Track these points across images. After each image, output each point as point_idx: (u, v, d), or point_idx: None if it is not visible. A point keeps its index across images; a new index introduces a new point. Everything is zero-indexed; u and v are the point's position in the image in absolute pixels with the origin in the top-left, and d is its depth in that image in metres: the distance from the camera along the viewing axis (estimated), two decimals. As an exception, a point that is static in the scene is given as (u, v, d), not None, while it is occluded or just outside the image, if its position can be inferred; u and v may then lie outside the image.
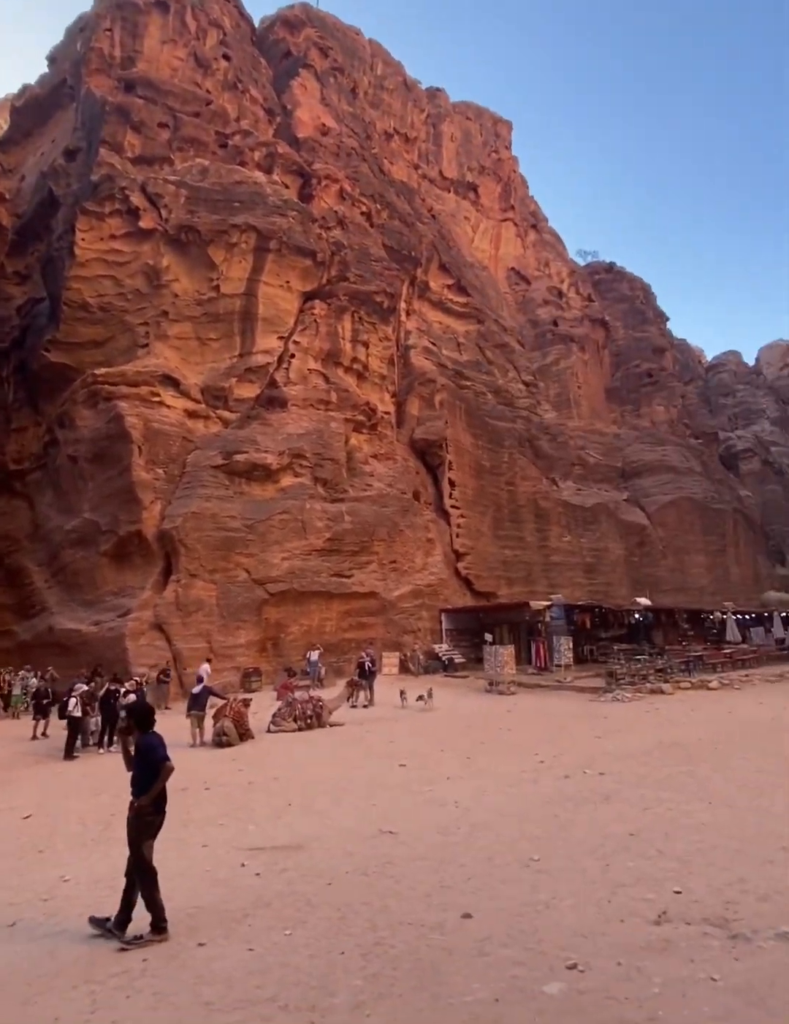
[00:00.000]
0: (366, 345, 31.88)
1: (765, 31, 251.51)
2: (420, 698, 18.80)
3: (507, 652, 22.58)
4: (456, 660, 27.28)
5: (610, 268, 66.27)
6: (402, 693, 19.16)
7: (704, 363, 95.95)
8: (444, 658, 27.16)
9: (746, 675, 23.55)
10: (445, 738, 14.06)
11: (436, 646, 27.86)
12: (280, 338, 28.65)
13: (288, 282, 29.20)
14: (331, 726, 16.17)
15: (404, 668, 25.91)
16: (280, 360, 28.73)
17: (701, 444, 54.92)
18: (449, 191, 53.52)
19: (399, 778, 10.35)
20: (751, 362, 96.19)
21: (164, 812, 5.57)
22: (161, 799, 5.53)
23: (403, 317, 38.02)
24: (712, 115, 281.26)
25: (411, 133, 51.54)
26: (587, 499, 40.72)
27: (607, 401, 53.99)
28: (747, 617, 36.16)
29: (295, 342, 29.20)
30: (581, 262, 67.35)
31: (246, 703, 15.16)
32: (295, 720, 15.76)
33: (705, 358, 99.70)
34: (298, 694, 17.24)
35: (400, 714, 18.10)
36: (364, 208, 36.88)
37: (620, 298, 63.79)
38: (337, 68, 44.16)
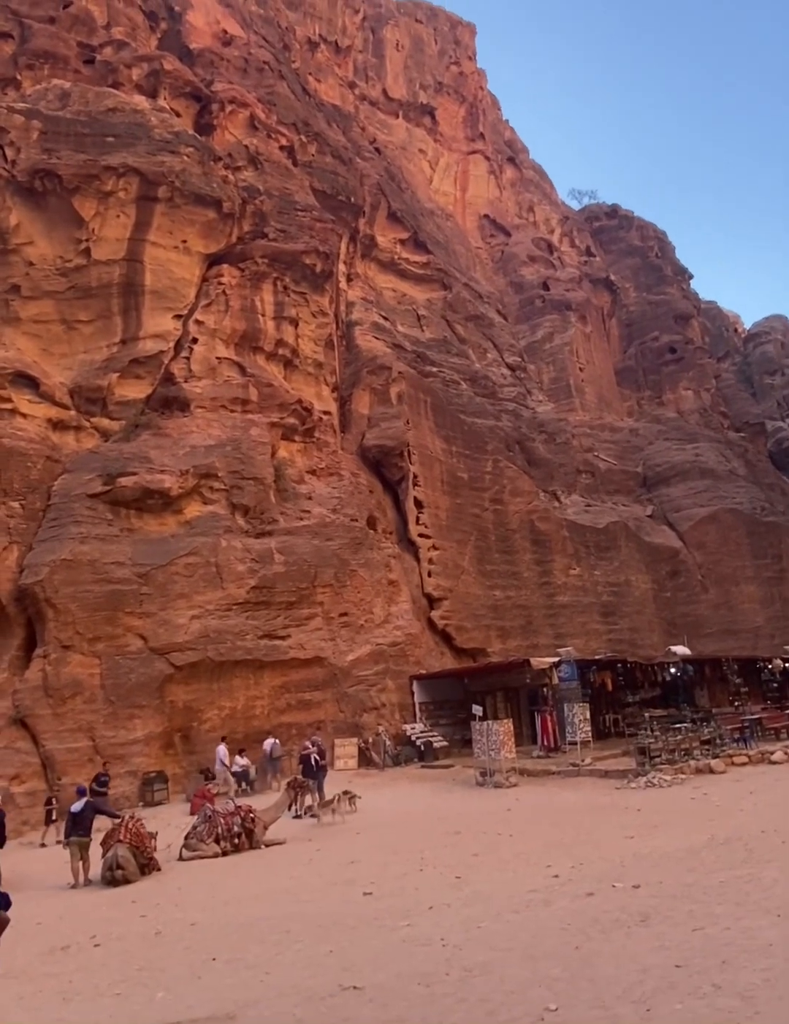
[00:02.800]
0: (294, 323, 32.19)
1: None
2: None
3: (503, 729, 22.69)
4: (435, 744, 27.25)
5: (613, 212, 68.59)
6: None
7: (741, 333, 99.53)
8: (418, 742, 27.12)
9: (820, 742, 24.14)
10: (426, 852, 14.01)
11: (407, 726, 27.81)
12: (177, 317, 28.72)
13: (185, 242, 29.38)
14: (267, 845, 15.99)
15: (365, 759, 25.77)
16: (178, 347, 28.76)
17: (744, 438, 56.76)
18: (397, 116, 54.90)
19: (365, 911, 10.27)
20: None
21: None
22: None
23: (343, 284, 38.58)
24: (742, 18, 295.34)
25: (343, 41, 52.84)
26: (600, 517, 41.57)
27: (619, 386, 55.49)
28: (817, 664, 37.10)
29: (197, 322, 29.31)
30: (575, 206, 69.63)
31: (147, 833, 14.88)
32: (217, 840, 15.52)
33: (743, 326, 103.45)
34: (219, 805, 17.02)
35: (364, 823, 17.99)
36: (284, 141, 37.52)
37: (628, 251, 65.96)
38: (240, -43, 45.12)
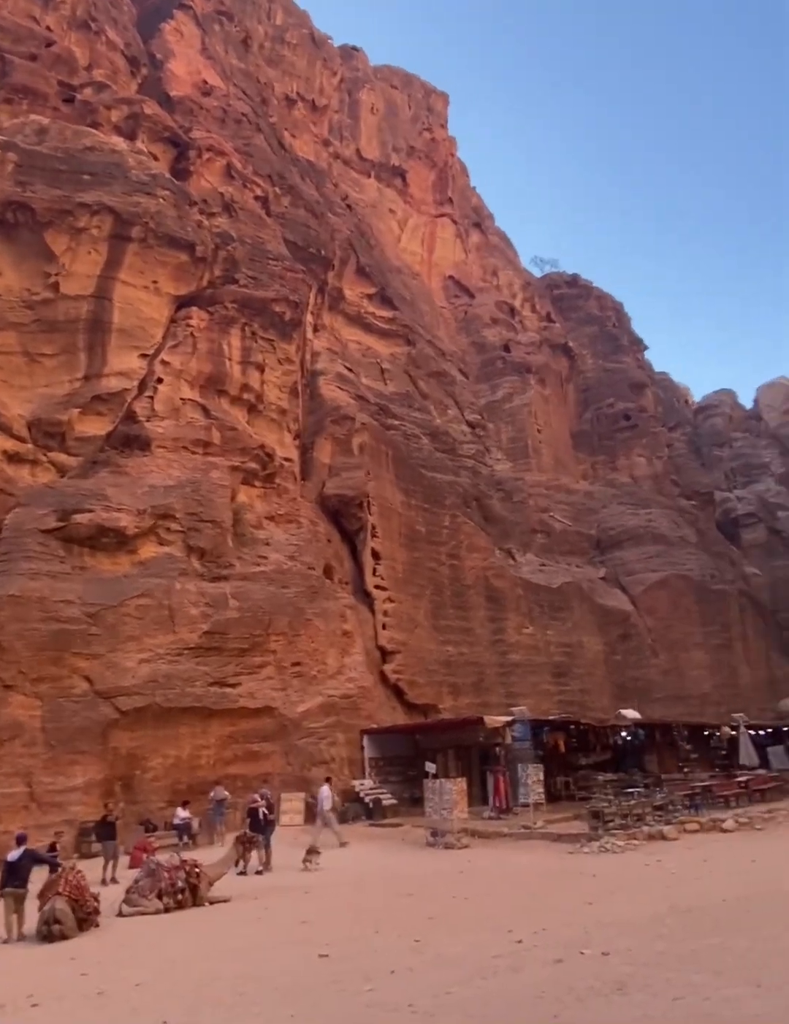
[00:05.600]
0: (261, 369, 32.24)
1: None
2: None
3: (457, 788, 22.33)
4: (384, 802, 26.72)
5: (574, 281, 70.74)
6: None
7: (691, 405, 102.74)
8: (366, 799, 26.56)
9: (769, 811, 24.16)
10: (380, 913, 13.58)
11: (356, 782, 27.25)
12: (143, 356, 28.56)
13: (156, 282, 29.41)
14: (212, 902, 15.36)
15: (312, 815, 25.11)
16: (142, 386, 28.55)
17: (694, 507, 58.02)
18: (369, 176, 56.27)
19: (322, 973, 9.84)
20: (748, 404, 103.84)
21: None
22: None
23: (310, 334, 38.90)
24: (701, 104, 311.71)
25: (320, 100, 54.26)
26: (554, 577, 41.88)
27: (575, 449, 56.52)
28: (763, 733, 37.43)
29: (164, 362, 29.19)
30: (537, 273, 71.69)
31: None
32: (160, 895, 14.83)
33: (692, 399, 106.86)
34: (163, 858, 16.32)
35: (312, 881, 17.43)
36: (259, 191, 38.11)
37: (587, 319, 67.97)
38: (224, 12, 46.39)
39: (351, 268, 44.60)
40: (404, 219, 57.86)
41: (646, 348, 76.04)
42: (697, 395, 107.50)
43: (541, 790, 24.66)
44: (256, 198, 37.85)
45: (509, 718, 26.53)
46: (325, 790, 22.69)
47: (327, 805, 22.44)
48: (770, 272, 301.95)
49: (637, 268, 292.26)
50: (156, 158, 33.73)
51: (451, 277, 59.40)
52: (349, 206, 49.61)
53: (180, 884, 15.22)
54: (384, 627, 32.24)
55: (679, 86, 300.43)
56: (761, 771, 30.74)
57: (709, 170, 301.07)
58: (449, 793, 22.15)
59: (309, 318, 38.81)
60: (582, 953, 9.79)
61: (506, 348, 55.16)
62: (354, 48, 61.00)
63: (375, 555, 33.34)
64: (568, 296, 69.30)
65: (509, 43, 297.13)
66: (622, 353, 66.75)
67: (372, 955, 10.74)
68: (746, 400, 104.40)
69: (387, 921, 12.91)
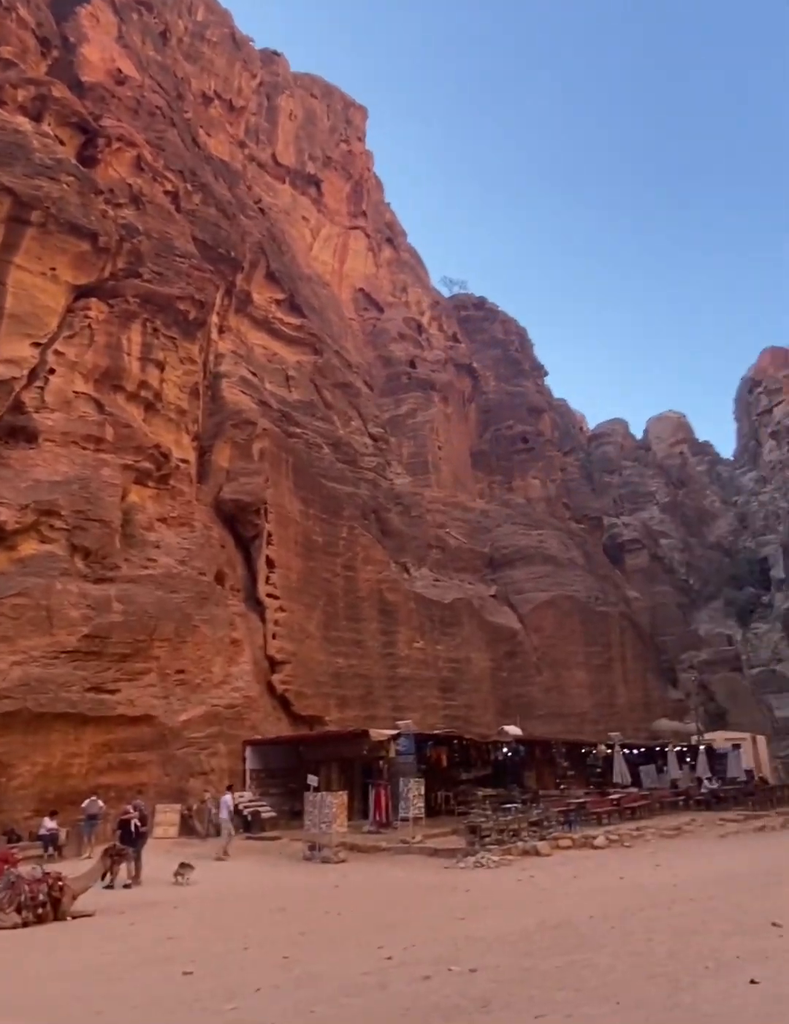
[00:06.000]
0: (160, 366, 31.48)
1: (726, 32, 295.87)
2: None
3: (338, 802, 22.16)
4: (263, 814, 26.26)
5: (481, 304, 72.15)
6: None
7: (586, 432, 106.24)
8: (245, 812, 26.03)
9: (637, 828, 24.92)
10: (250, 929, 13.26)
11: (237, 795, 26.67)
12: (35, 345, 27.46)
13: (54, 269, 28.37)
14: (75, 917, 14.68)
15: (187, 828, 24.47)
16: (32, 376, 27.42)
17: (584, 530, 59.79)
18: (284, 181, 55.96)
19: (185, 992, 9.50)
20: (639, 435, 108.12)
21: None
22: None
23: (214, 335, 38.26)
24: (613, 146, 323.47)
25: (238, 101, 53.70)
26: (446, 593, 42.31)
27: (473, 468, 57.41)
28: (637, 752, 38.69)
29: (57, 353, 28.13)
30: (446, 292, 72.75)
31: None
32: (19, 909, 14.09)
33: (587, 426, 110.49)
34: (23, 869, 15.53)
35: (182, 896, 16.90)
36: (169, 186, 37.33)
37: (491, 342, 69.38)
38: (143, 2, 45.45)
39: (261, 272, 44.16)
40: (317, 228, 57.77)
41: (546, 374, 78.24)
42: (592, 423, 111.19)
43: (422, 804, 24.70)
44: (166, 193, 37.06)
45: (394, 732, 26.53)
46: (227, 798, 22.97)
47: (225, 813, 22.49)
48: (666, 312, 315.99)
49: (543, 297, 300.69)
50: (63, 143, 32.57)
51: (361, 290, 59.61)
52: (262, 210, 49.16)
53: (42, 897, 14.51)
54: (274, 636, 31.82)
55: (596, 122, 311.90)
56: (633, 789, 31.75)
57: (618, 210, 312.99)
58: (329, 806, 21.96)
59: (215, 319, 38.16)
60: (450, 969, 9.76)
61: (412, 364, 55.66)
62: (276, 53, 60.71)
63: (270, 563, 32.91)
64: (475, 318, 70.62)
65: (430, 67, 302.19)
66: (523, 377, 68.39)
67: (238, 972, 10.46)
68: (637, 430, 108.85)
69: (257, 937, 12.61)
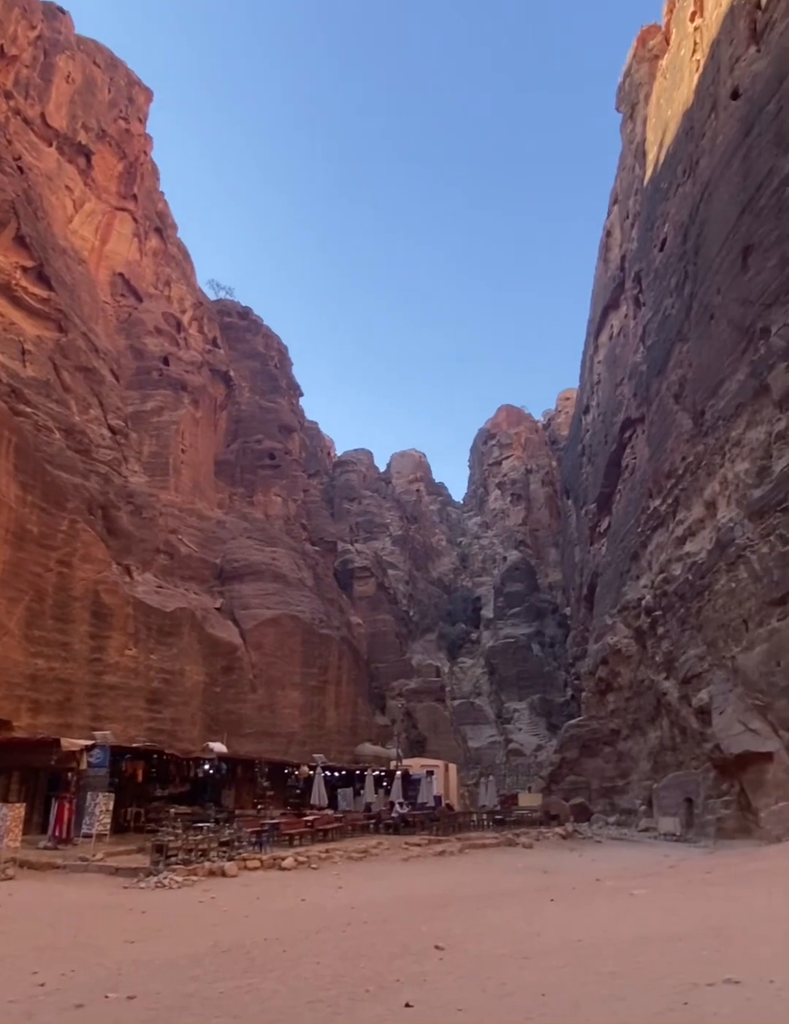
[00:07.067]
0: None
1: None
2: None
3: (12, 814, 20.46)
4: (-77, 827, 23.58)
5: (245, 314, 71.57)
6: None
7: (332, 457, 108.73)
8: None
9: (327, 850, 25.36)
10: None
11: None
12: None
13: None
14: None
15: None
16: None
17: (318, 552, 60.71)
18: (50, 145, 52.25)
19: None
20: (382, 467, 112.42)
21: None
22: None
23: (-56, 291, 34.57)
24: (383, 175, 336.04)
25: (10, 48, 49.56)
26: (169, 601, 40.89)
27: (216, 476, 56.35)
28: (337, 775, 39.56)
29: None
30: (211, 296, 71.37)
31: None
32: None
33: (334, 452, 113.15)
34: None
35: None
36: None
37: (251, 354, 68.96)
38: None
39: (9, 233, 40.64)
40: (81, 201, 54.34)
41: (302, 395, 79.06)
42: (339, 449, 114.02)
43: (108, 820, 23.48)
44: None
45: (89, 742, 25.14)
46: None
47: None
48: (424, 355, 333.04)
49: (308, 319, 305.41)
50: None
51: (121, 275, 56.76)
52: (21, 168, 45.40)
53: None
54: (-34, 630, 28.93)
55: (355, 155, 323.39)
56: (329, 811, 32.35)
57: (393, 246, 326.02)
58: (3, 819, 20.22)
59: (-54, 274, 34.52)
60: (107, 997, 9.18)
61: (165, 361, 53.75)
62: (61, 9, 56.81)
63: (-28, 549, 29.96)
64: (237, 327, 69.85)
65: (223, 62, 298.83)
66: (279, 394, 68.59)
67: None
68: (381, 463, 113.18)
69: None
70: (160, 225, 62.76)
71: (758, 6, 31.88)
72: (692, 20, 41.28)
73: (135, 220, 58.46)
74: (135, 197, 58.79)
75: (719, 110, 34.50)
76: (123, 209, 57.61)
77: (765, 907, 11.37)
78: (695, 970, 7.76)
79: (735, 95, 32.62)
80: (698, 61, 39.43)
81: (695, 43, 40.49)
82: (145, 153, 61.75)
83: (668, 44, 48.83)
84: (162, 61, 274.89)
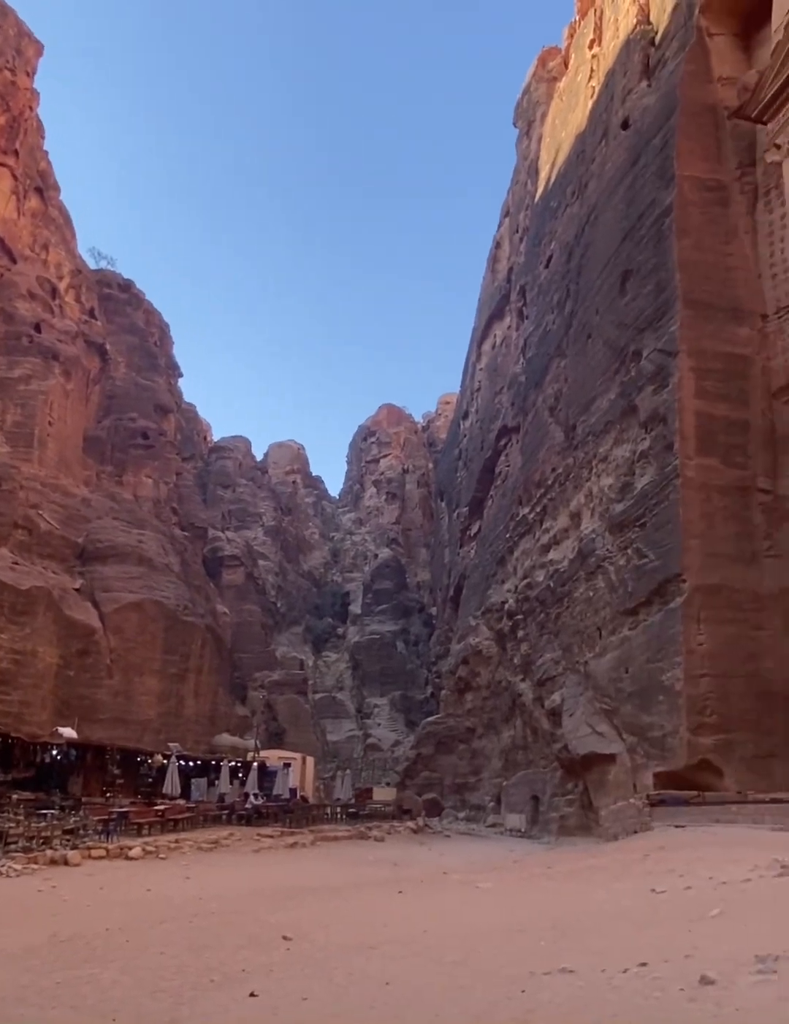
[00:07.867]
0: None
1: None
2: None
3: None
4: None
5: (127, 287, 69.15)
6: None
7: (209, 442, 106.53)
8: None
9: (176, 840, 24.98)
10: None
11: None
12: None
13: None
14: None
15: None
16: None
17: (187, 538, 59.44)
18: (-74, 86, 48.88)
19: None
20: (259, 456, 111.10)
21: None
22: None
23: None
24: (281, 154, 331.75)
25: None
26: (24, 579, 39.09)
27: (84, 452, 54.25)
28: (192, 764, 38.94)
29: None
30: (92, 265, 68.58)
31: None
32: None
33: (212, 437, 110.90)
34: None
35: None
36: None
37: (130, 328, 66.70)
38: None
39: None
40: (-44, 150, 51.17)
41: (181, 375, 77.23)
42: (216, 434, 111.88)
43: (-58, 806, 22.32)
44: None
45: (-73, 723, 23.74)
46: None
47: None
48: (307, 345, 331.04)
49: (193, 298, 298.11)
50: None
51: (-5, 233, 53.76)
52: None
53: None
54: None
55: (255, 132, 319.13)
56: (181, 801, 31.82)
57: (285, 232, 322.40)
58: None
59: None
60: (-68, 990, 8.75)
61: (37, 328, 51.26)
62: (-52, -54, 53.30)
63: None
64: (117, 300, 67.39)
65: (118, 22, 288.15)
66: (156, 373, 66.67)
67: None
68: (258, 452, 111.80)
69: None
70: (42, 185, 59.81)
71: (652, 43, 33.45)
72: (591, 48, 42.85)
73: (15, 177, 55.46)
74: (16, 153, 55.74)
75: (609, 137, 35.99)
76: (2, 164, 54.57)
77: (600, 901, 11.98)
78: (534, 960, 8.10)
79: (625, 125, 34.11)
80: (593, 87, 40.98)
81: (592, 70, 42.05)
82: (31, 108, 58.64)
83: (567, 68, 50.50)
84: (60, 18, 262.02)
